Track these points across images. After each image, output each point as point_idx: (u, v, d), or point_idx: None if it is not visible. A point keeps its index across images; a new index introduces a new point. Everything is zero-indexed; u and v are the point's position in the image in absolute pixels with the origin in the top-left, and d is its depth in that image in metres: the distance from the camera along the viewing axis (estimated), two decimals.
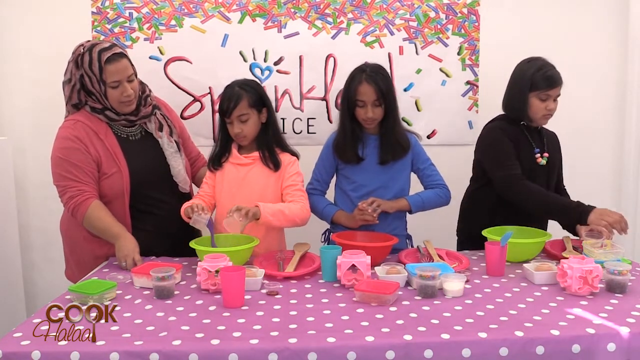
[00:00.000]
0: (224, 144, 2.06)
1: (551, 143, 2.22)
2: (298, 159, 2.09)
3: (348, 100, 2.05)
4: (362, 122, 2.07)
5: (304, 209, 2.00)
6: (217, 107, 2.41)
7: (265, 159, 2.01)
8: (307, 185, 2.16)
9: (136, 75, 1.98)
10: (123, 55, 1.92)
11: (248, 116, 1.97)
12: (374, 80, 1.99)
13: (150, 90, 2.10)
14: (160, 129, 2.07)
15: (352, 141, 2.08)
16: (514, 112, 2.14)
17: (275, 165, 2.01)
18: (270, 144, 2.03)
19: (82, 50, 1.89)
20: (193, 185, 2.25)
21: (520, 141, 2.13)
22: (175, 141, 2.10)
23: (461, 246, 2.29)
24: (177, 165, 2.08)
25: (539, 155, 2.14)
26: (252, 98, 1.97)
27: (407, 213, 2.17)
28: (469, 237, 2.21)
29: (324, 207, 2.13)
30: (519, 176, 2.05)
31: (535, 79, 2.07)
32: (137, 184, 1.97)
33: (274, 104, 2.74)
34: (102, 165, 1.94)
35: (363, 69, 2.03)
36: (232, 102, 1.96)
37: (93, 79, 1.89)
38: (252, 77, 2.71)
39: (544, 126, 2.22)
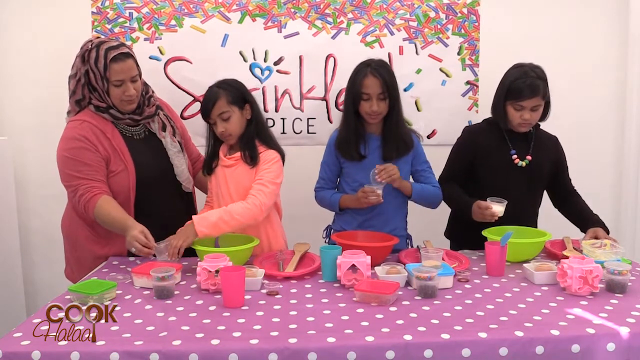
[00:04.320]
0: (212, 148, 2.06)
1: (542, 146, 2.18)
2: (282, 156, 2.02)
3: (353, 94, 2.04)
4: (366, 116, 2.06)
5: (254, 206, 1.86)
6: None
7: (245, 157, 1.97)
8: (315, 185, 2.19)
9: (140, 76, 1.99)
10: (129, 55, 1.93)
11: (229, 113, 1.94)
12: (379, 73, 2.01)
13: (153, 91, 2.11)
14: (164, 129, 2.07)
15: (355, 137, 2.08)
16: (495, 117, 2.16)
17: (253, 160, 1.96)
18: (252, 140, 1.99)
19: (89, 46, 1.90)
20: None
21: (496, 142, 2.15)
22: (178, 141, 2.11)
23: (453, 246, 2.28)
24: (181, 165, 2.08)
25: (516, 156, 2.13)
26: (230, 95, 1.95)
27: (406, 212, 2.19)
28: (457, 236, 2.29)
29: (330, 197, 2.14)
30: (446, 181, 2.19)
31: (511, 88, 2.05)
32: (142, 182, 1.98)
33: (273, 104, 2.75)
34: (110, 163, 1.94)
35: (368, 64, 2.04)
36: (210, 102, 1.95)
37: (97, 76, 1.90)
38: (252, 77, 2.71)
39: (543, 129, 2.21)
